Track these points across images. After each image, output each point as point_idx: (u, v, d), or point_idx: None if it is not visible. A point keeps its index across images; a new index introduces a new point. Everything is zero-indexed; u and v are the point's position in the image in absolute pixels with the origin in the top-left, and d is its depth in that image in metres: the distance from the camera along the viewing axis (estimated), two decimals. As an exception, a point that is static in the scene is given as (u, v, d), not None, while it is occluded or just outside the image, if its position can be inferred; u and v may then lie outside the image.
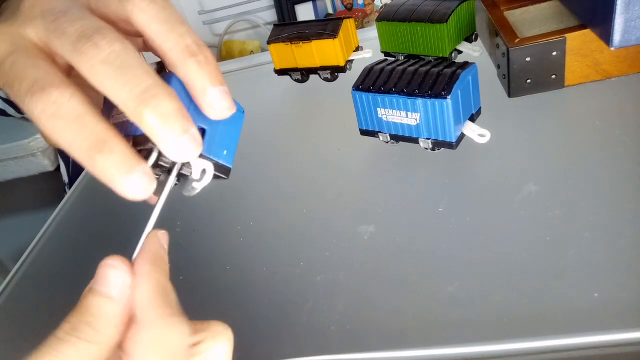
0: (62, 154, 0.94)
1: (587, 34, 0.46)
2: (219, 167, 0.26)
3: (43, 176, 0.92)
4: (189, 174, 0.25)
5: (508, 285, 0.34)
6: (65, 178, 0.94)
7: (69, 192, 0.61)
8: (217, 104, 0.23)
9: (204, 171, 0.25)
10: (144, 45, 0.25)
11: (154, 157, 0.23)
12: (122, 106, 0.22)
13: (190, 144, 0.22)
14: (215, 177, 0.26)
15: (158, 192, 0.25)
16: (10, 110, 0.98)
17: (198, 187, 0.25)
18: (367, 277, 0.38)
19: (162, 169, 0.25)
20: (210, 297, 0.40)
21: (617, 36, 0.39)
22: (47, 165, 0.91)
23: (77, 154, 0.22)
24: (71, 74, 0.24)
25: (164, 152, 0.22)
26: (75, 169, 0.93)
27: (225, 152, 0.26)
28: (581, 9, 0.46)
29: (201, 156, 0.25)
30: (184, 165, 0.25)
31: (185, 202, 0.51)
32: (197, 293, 0.41)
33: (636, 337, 0.29)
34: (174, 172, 0.25)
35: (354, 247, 0.40)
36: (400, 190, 0.45)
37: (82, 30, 0.22)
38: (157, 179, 0.25)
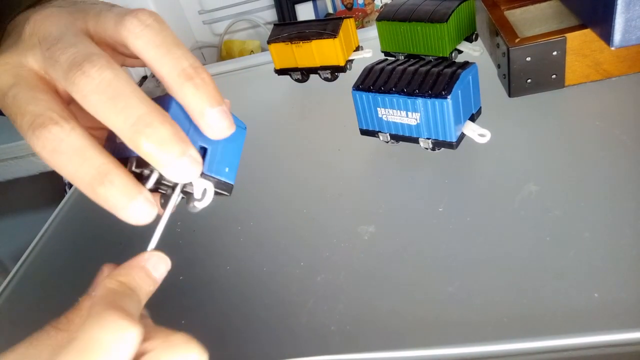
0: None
1: (588, 34, 0.46)
2: (221, 184, 0.26)
3: (43, 176, 0.92)
4: (191, 192, 0.25)
5: (508, 285, 0.34)
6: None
7: (69, 192, 0.61)
8: (216, 125, 0.23)
9: (205, 190, 0.25)
10: (141, 63, 0.25)
11: (154, 178, 0.24)
12: (118, 134, 0.22)
13: (189, 165, 0.22)
14: (217, 194, 0.27)
15: (163, 206, 0.25)
16: None
17: (199, 206, 0.26)
18: (367, 277, 0.38)
19: (166, 187, 0.25)
20: (210, 297, 0.40)
21: (617, 36, 0.39)
22: (47, 165, 0.91)
23: (79, 185, 0.22)
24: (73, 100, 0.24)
25: (165, 176, 0.23)
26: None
27: (227, 170, 0.27)
28: (581, 8, 0.46)
29: (203, 175, 0.25)
30: (186, 183, 0.25)
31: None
32: (197, 293, 0.41)
33: (636, 337, 0.29)
34: (177, 191, 0.25)
35: (354, 247, 0.40)
36: (400, 190, 0.45)
37: (73, 58, 0.22)
38: (164, 193, 0.25)
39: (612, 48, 0.40)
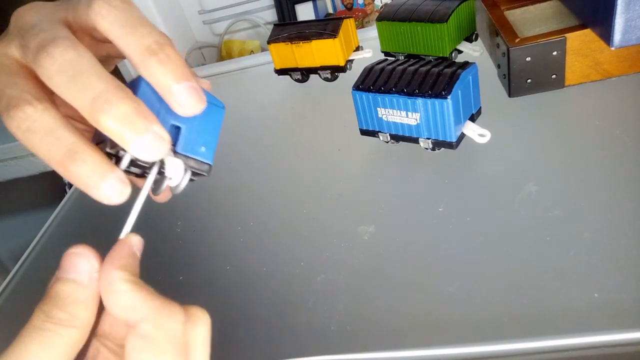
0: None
1: (588, 34, 0.46)
2: (197, 164, 0.26)
3: (43, 176, 0.92)
4: (165, 174, 0.25)
5: (508, 285, 0.34)
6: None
7: (69, 192, 0.61)
8: (184, 101, 0.23)
9: (177, 170, 0.25)
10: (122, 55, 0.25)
11: (127, 158, 0.24)
12: (81, 112, 0.22)
13: (154, 142, 0.22)
14: (195, 174, 0.26)
15: (154, 191, 0.25)
16: None
17: (173, 184, 0.25)
18: (367, 277, 0.38)
19: (144, 168, 0.25)
20: (210, 297, 0.40)
21: (617, 36, 0.39)
22: (47, 165, 0.91)
23: (52, 164, 0.23)
24: None
25: (132, 154, 0.23)
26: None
27: (203, 149, 0.26)
28: (581, 8, 0.46)
29: (177, 154, 0.25)
30: (162, 163, 0.25)
31: (185, 202, 0.51)
32: (197, 293, 0.41)
33: (636, 337, 0.29)
34: (153, 172, 0.25)
35: (354, 248, 0.40)
36: (400, 190, 0.45)
37: (40, 42, 0.23)
38: (145, 176, 0.25)
39: (612, 48, 0.40)
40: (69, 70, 0.22)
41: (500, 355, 0.30)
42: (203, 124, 0.26)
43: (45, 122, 0.22)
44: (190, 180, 0.26)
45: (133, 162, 0.24)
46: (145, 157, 0.22)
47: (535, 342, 0.30)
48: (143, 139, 0.22)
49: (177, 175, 0.25)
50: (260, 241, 0.44)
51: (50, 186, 0.96)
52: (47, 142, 0.22)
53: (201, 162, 0.26)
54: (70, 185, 0.84)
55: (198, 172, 0.26)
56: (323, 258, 0.40)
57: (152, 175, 0.25)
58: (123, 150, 0.23)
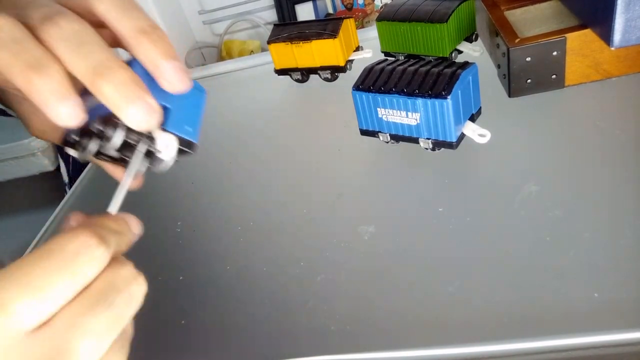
0: (61, 153, 0.94)
1: (588, 34, 0.46)
2: (183, 142, 0.27)
3: (43, 176, 0.92)
4: (155, 150, 0.26)
5: (508, 285, 0.34)
6: (65, 178, 0.94)
7: (69, 192, 0.61)
8: (172, 77, 0.25)
9: (168, 145, 0.26)
10: (113, 41, 0.27)
11: (120, 133, 0.25)
12: (81, 79, 0.23)
13: (147, 110, 0.24)
14: (182, 152, 0.28)
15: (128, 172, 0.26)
16: (10, 110, 0.97)
17: (163, 158, 0.27)
18: (367, 277, 0.38)
19: (131, 148, 0.26)
20: (210, 297, 0.40)
21: (617, 36, 0.39)
22: (47, 165, 0.91)
23: (15, 74, 0.23)
24: None
25: (123, 120, 0.24)
26: (75, 169, 0.93)
27: (189, 128, 0.28)
28: (581, 8, 0.46)
29: (165, 131, 0.26)
30: (150, 141, 0.26)
31: (186, 202, 0.51)
32: (197, 293, 0.41)
33: (636, 337, 0.29)
34: (140, 146, 0.26)
35: (354, 247, 0.40)
36: (400, 190, 0.45)
37: (46, 13, 0.24)
38: (128, 160, 0.26)
39: (612, 48, 0.40)
40: (74, 38, 0.23)
41: (500, 355, 0.30)
42: (188, 105, 0.28)
43: (14, 32, 0.23)
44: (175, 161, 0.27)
45: (123, 142, 0.25)
46: (137, 125, 0.24)
47: (535, 342, 0.30)
48: (137, 107, 0.23)
49: (169, 150, 0.26)
50: (260, 241, 0.44)
51: (50, 186, 0.96)
52: (13, 49, 0.23)
53: (187, 140, 0.28)
54: (70, 185, 0.84)
55: (184, 150, 0.28)
56: (323, 258, 0.40)
57: (141, 151, 0.26)
58: (113, 128, 0.25)
